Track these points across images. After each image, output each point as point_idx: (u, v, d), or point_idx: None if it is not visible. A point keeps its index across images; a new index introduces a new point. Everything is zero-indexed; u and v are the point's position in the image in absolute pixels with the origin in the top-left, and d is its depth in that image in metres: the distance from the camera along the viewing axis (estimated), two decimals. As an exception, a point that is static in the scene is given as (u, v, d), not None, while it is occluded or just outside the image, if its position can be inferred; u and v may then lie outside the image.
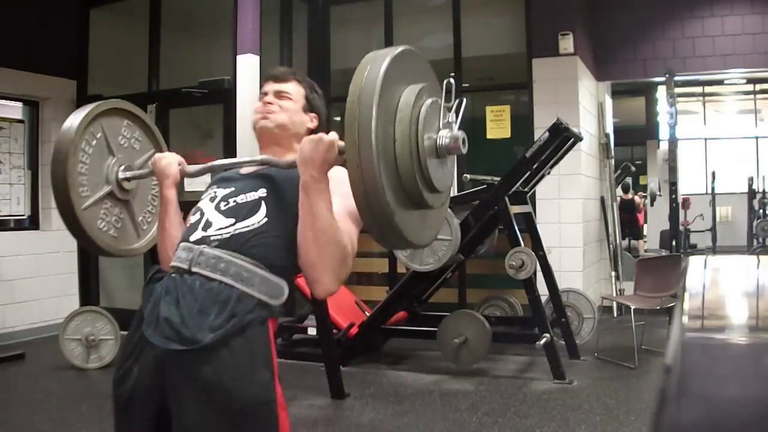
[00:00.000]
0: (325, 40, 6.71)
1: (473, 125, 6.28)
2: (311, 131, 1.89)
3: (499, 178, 4.62)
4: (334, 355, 4.15)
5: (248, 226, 1.65)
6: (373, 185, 1.37)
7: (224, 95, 5.44)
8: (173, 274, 1.64)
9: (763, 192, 10.12)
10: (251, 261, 1.62)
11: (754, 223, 9.66)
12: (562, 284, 5.04)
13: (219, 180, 1.83)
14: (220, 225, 1.67)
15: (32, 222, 6.05)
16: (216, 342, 1.52)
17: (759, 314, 0.97)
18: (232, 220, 1.66)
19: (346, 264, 1.62)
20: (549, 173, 4.92)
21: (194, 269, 1.61)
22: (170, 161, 1.90)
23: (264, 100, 1.87)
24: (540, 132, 4.79)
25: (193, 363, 1.53)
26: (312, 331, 4.88)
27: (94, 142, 2.00)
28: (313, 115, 1.92)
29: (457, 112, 1.59)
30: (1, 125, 5.79)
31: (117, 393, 1.65)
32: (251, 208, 1.68)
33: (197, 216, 1.73)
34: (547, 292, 4.84)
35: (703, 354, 0.75)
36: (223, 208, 1.70)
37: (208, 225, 1.68)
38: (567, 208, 5.80)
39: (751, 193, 10.04)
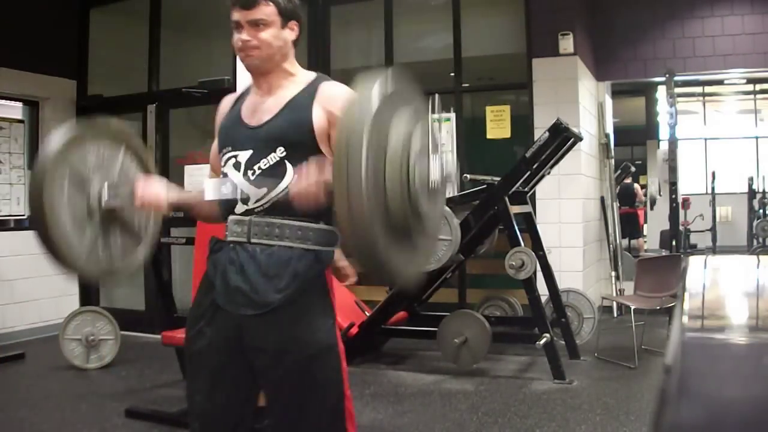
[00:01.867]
0: (325, 40, 6.70)
1: (473, 125, 6.28)
2: (296, 40, 1.86)
3: (499, 178, 4.62)
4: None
5: (284, 190, 1.72)
6: (363, 227, 1.37)
7: (224, 95, 5.42)
8: (233, 246, 1.76)
9: (763, 192, 10.11)
10: (300, 218, 1.72)
11: (754, 223, 9.66)
12: (562, 284, 5.04)
13: (232, 140, 1.84)
14: (257, 196, 1.75)
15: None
16: (284, 301, 1.70)
17: (759, 314, 0.97)
18: (265, 190, 1.74)
19: None
20: (549, 173, 4.92)
21: (253, 240, 1.74)
22: (157, 193, 1.88)
23: (241, 38, 1.79)
24: (540, 132, 4.78)
25: (267, 323, 1.72)
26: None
27: (71, 171, 1.86)
28: (292, 23, 1.84)
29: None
30: (1, 125, 5.79)
31: (192, 349, 1.83)
32: (278, 172, 1.74)
33: (230, 188, 1.78)
34: (547, 292, 4.84)
35: (703, 354, 0.75)
36: (252, 177, 1.76)
37: (246, 198, 1.76)
38: (567, 208, 5.80)
39: (751, 193, 10.04)
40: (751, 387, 0.67)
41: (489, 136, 5.99)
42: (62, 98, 6.15)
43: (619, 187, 7.91)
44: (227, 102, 1.98)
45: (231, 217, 1.78)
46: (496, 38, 6.55)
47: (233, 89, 5.05)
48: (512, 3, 6.29)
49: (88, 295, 6.29)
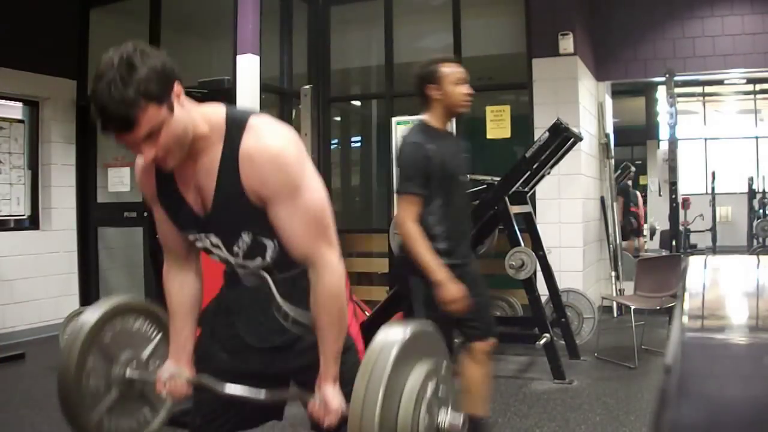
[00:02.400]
0: (325, 40, 6.70)
1: (473, 125, 6.28)
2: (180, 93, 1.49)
3: (499, 178, 4.62)
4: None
5: (273, 255, 1.66)
6: None
7: (224, 95, 5.43)
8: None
9: (763, 192, 10.12)
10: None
11: (754, 223, 9.67)
12: (562, 284, 5.04)
13: (192, 225, 1.66)
14: (254, 264, 1.70)
15: (32, 222, 6.05)
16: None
17: (759, 314, 0.97)
18: (259, 260, 1.68)
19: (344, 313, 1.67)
20: (549, 173, 4.92)
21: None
22: (175, 381, 1.74)
23: (139, 154, 1.51)
24: (540, 132, 4.78)
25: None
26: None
27: (99, 350, 1.79)
28: (173, 91, 1.46)
29: None
30: (1, 125, 5.79)
31: (201, 368, 1.76)
32: (258, 248, 1.65)
33: (223, 257, 1.72)
34: (547, 292, 4.84)
35: (703, 354, 0.75)
36: (240, 259, 1.68)
37: (242, 265, 1.73)
38: (567, 208, 5.80)
39: (751, 193, 10.04)
40: (751, 387, 0.67)
41: (489, 136, 5.99)
42: (62, 98, 6.15)
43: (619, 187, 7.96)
44: (147, 169, 1.66)
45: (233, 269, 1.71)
46: (496, 38, 6.55)
47: (233, 89, 5.07)
48: (512, 3, 6.29)
49: (88, 295, 6.29)
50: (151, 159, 1.48)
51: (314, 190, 1.56)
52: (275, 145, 1.51)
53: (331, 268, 1.56)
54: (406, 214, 2.73)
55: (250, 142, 1.51)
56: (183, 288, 1.76)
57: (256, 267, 1.64)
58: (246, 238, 1.59)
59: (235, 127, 1.53)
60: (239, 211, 1.55)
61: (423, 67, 2.97)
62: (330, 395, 1.57)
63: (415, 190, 2.72)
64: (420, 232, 2.71)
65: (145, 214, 5.83)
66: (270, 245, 1.60)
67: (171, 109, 1.45)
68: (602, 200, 6.71)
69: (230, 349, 1.72)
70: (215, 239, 1.63)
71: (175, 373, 1.73)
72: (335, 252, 1.58)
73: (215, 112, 1.57)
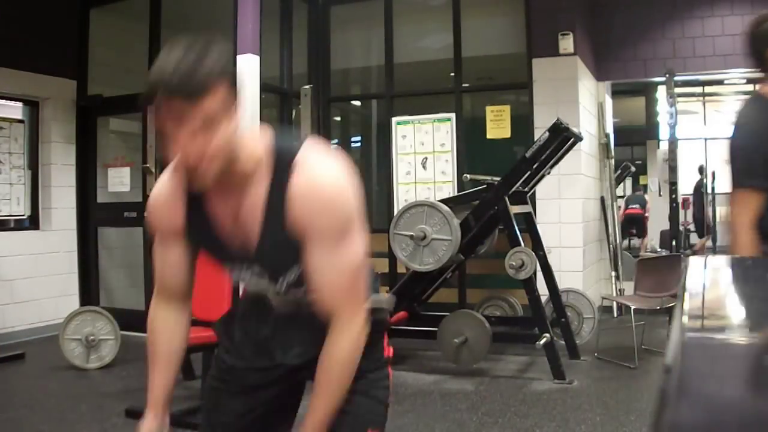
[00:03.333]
0: (325, 40, 6.70)
1: (473, 125, 6.28)
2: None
3: (499, 178, 4.62)
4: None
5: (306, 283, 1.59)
6: None
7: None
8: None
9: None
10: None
11: (754, 223, 9.65)
12: (562, 284, 5.04)
13: (230, 259, 1.57)
14: (296, 295, 1.62)
15: (32, 222, 6.05)
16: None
17: (759, 314, 0.97)
18: (302, 289, 1.58)
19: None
20: (549, 173, 4.92)
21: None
22: None
23: (178, 148, 1.30)
24: (540, 132, 4.78)
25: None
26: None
27: None
28: (237, 97, 1.33)
29: None
30: (1, 125, 5.79)
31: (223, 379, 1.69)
32: (304, 280, 1.56)
33: (258, 288, 1.64)
34: (547, 292, 4.84)
35: (703, 354, 0.75)
36: (283, 290, 1.59)
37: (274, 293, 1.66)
38: (567, 208, 5.80)
39: (751, 193, 10.03)
40: (751, 387, 0.67)
41: (489, 136, 5.99)
42: (62, 98, 6.15)
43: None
44: (173, 192, 1.51)
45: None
46: (496, 38, 6.55)
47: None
48: (512, 3, 6.29)
49: (88, 295, 6.30)
50: (191, 161, 1.29)
51: (359, 244, 1.45)
52: (331, 187, 1.40)
53: (350, 334, 1.45)
54: (740, 214, 2.05)
55: (301, 179, 1.38)
56: (175, 331, 1.63)
57: (300, 295, 1.54)
58: (296, 270, 1.48)
59: (285, 159, 1.40)
60: (288, 247, 1.44)
61: (759, 23, 2.36)
62: None
63: (756, 183, 2.04)
64: (754, 240, 2.04)
65: (145, 214, 5.84)
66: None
67: (232, 112, 1.31)
68: (602, 200, 6.71)
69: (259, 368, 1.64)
70: (259, 270, 1.52)
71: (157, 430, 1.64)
72: (362, 315, 1.47)
73: (261, 137, 1.43)
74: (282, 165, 1.40)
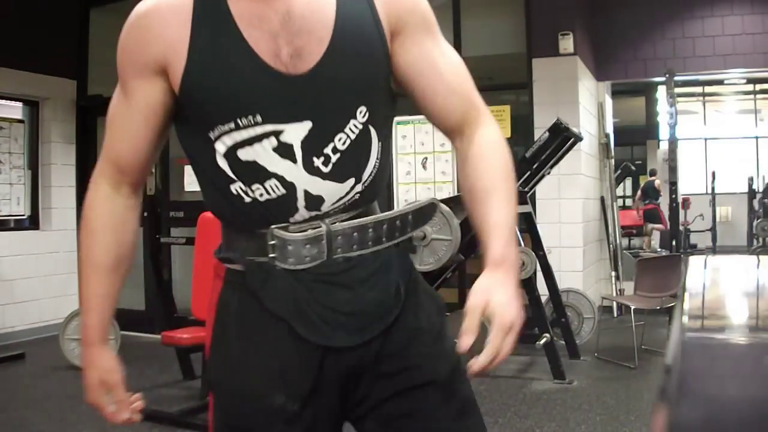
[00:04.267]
0: (325, 40, 6.70)
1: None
2: None
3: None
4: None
5: (371, 173, 1.12)
6: None
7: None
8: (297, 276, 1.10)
9: (763, 192, 10.12)
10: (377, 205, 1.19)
11: (754, 223, 9.66)
12: (562, 284, 5.04)
13: (255, 103, 1.02)
14: (338, 194, 1.09)
15: (32, 222, 6.05)
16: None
17: (759, 314, 0.97)
18: (351, 181, 1.09)
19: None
20: (549, 173, 4.92)
21: (335, 256, 1.10)
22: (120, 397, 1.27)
23: None
24: (540, 132, 4.78)
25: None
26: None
27: None
28: None
29: None
30: (1, 125, 5.79)
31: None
32: (363, 146, 1.09)
33: (280, 190, 1.06)
34: (547, 292, 4.84)
35: (703, 354, 0.75)
36: (327, 169, 1.06)
37: (315, 201, 1.08)
38: (567, 208, 5.80)
39: (751, 193, 10.04)
40: (751, 387, 0.67)
41: (489, 136, 5.98)
42: (62, 98, 6.15)
43: (644, 183, 7.94)
44: (167, 18, 1.04)
45: (287, 235, 1.08)
46: (496, 38, 6.55)
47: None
48: (512, 3, 6.29)
49: (88, 295, 6.29)
50: None
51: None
52: None
53: (495, 128, 1.21)
54: None
55: None
56: (126, 226, 1.17)
57: (340, 197, 1.08)
58: (359, 118, 1.06)
59: None
60: (367, 62, 1.05)
61: None
62: (509, 293, 1.15)
63: None
64: None
65: (145, 214, 5.84)
66: (374, 147, 1.10)
67: None
68: (602, 200, 6.71)
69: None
70: (295, 133, 1.03)
71: (110, 380, 1.24)
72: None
73: None
74: None
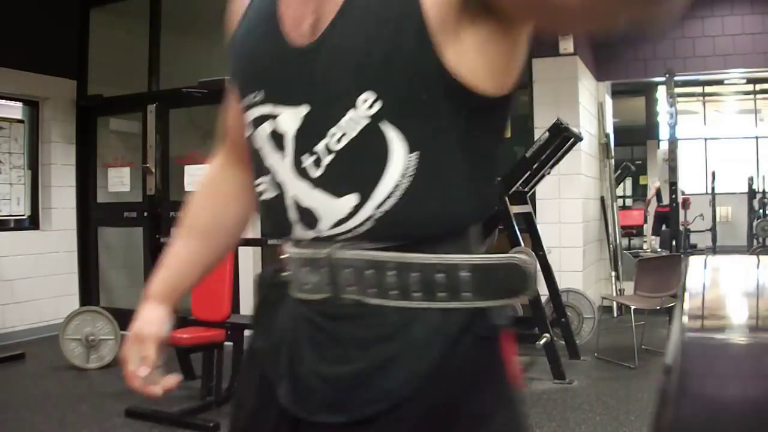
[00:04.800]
0: (325, 40, 6.70)
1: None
2: None
3: (498, 178, 4.62)
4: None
5: (392, 194, 0.81)
6: None
7: (224, 95, 5.43)
8: (302, 307, 0.90)
9: (763, 192, 10.12)
10: (430, 245, 0.84)
11: (754, 223, 9.66)
12: (562, 284, 5.04)
13: (264, 76, 0.88)
14: (339, 214, 0.83)
15: (32, 222, 6.05)
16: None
17: (759, 314, 0.97)
18: (352, 199, 0.82)
19: None
20: (549, 173, 4.92)
21: (345, 295, 0.86)
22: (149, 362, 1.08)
23: None
24: (540, 132, 4.79)
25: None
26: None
27: None
28: None
29: None
30: (1, 125, 5.79)
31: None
32: (373, 154, 0.81)
33: (273, 191, 0.90)
34: (547, 292, 4.84)
35: (703, 354, 0.75)
36: (314, 172, 0.84)
37: (307, 216, 0.86)
38: (567, 208, 5.80)
39: (751, 193, 10.04)
40: (751, 387, 0.67)
41: (489, 136, 5.98)
42: (62, 98, 6.15)
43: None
44: None
45: (293, 251, 0.91)
46: (496, 38, 6.55)
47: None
48: (512, 3, 6.29)
49: (88, 295, 6.29)
50: None
51: None
52: None
53: None
54: None
55: None
56: (240, 199, 1.08)
57: (341, 219, 0.83)
58: (362, 109, 0.80)
59: None
60: (383, 30, 0.78)
61: None
62: None
63: None
64: None
65: (145, 214, 5.84)
66: (395, 158, 0.80)
67: None
68: (602, 200, 6.71)
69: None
70: (290, 118, 0.84)
71: (145, 331, 1.10)
72: None
73: None
74: None
